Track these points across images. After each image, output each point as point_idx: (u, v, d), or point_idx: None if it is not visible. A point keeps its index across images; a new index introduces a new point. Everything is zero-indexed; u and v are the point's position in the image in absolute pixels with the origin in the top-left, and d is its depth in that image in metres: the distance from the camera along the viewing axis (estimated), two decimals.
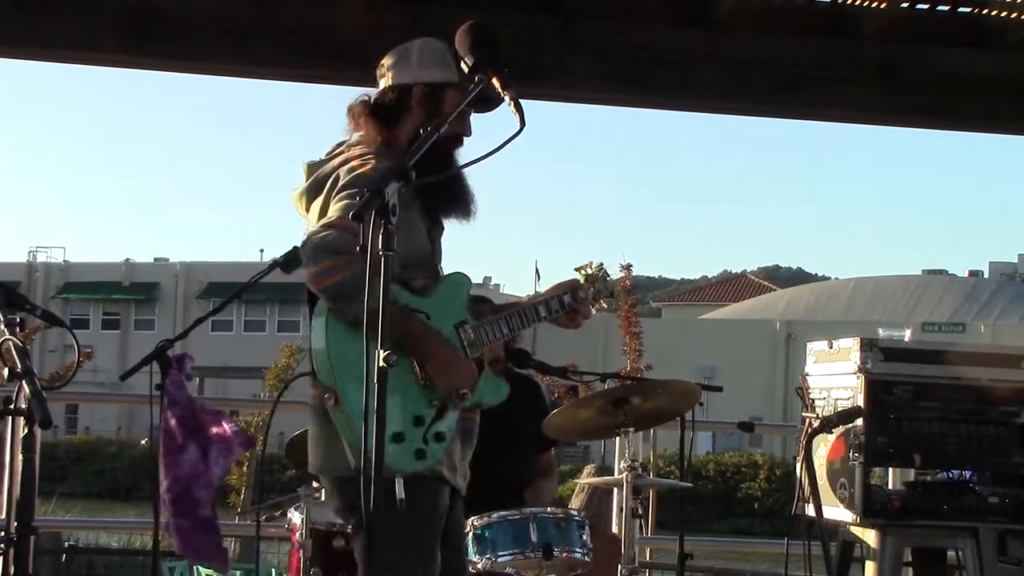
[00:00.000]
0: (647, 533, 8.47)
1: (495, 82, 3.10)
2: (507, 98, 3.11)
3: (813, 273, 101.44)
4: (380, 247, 2.79)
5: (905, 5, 5.99)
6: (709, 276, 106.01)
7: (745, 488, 31.43)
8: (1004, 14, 6.01)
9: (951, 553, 5.33)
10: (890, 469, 5.82)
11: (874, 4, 5.94)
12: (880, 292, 55.15)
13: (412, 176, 2.87)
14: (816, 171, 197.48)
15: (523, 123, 2.98)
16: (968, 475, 5.22)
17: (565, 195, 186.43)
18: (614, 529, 5.67)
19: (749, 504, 31.10)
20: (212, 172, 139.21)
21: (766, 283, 70.26)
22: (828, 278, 75.54)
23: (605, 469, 10.36)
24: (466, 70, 3.25)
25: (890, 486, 5.69)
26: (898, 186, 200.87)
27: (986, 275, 64.69)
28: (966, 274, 65.36)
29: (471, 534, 4.73)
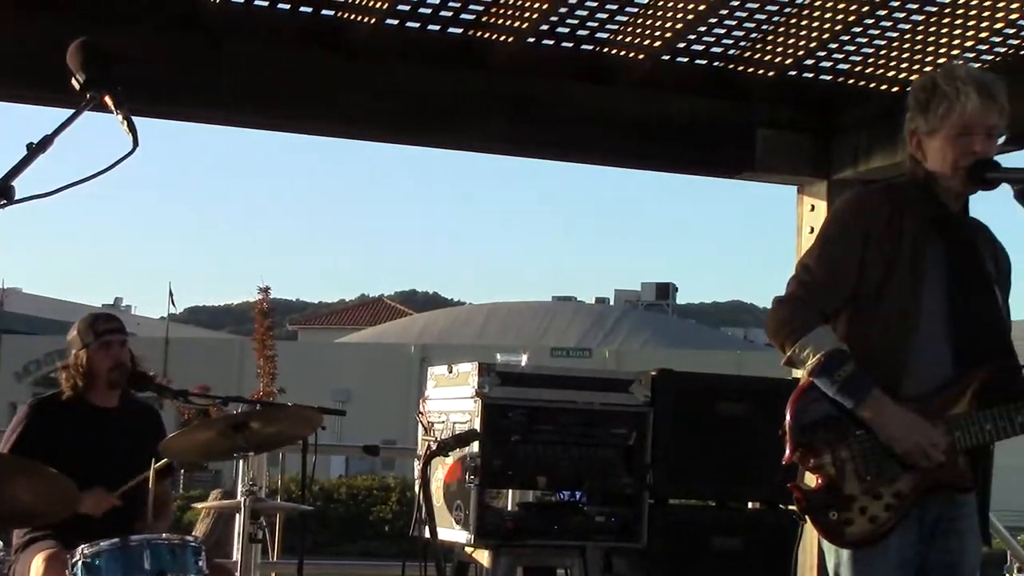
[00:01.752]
0: (273, 557, 8.38)
1: (107, 100, 3.02)
2: (119, 117, 3.03)
3: (449, 298, 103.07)
4: None
5: (532, 40, 6.18)
6: (347, 299, 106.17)
7: (377, 511, 31.57)
8: (623, 53, 6.29)
9: (561, 572, 5.52)
10: (509, 491, 5.98)
11: (503, 38, 6.10)
12: (513, 317, 56.53)
13: (13, 194, 2.76)
14: (442, 197, 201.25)
15: (136, 143, 2.91)
16: (579, 495, 5.41)
17: (201, 217, 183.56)
18: (235, 554, 5.58)
19: (380, 526, 31.23)
20: None
21: (402, 307, 70.94)
22: (463, 303, 76.94)
23: (231, 494, 10.22)
24: (77, 87, 3.16)
25: (509, 507, 5.84)
26: (523, 215, 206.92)
27: (612, 302, 67.33)
28: (593, 301, 67.88)
29: (80, 563, 4.57)
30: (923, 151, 3.65)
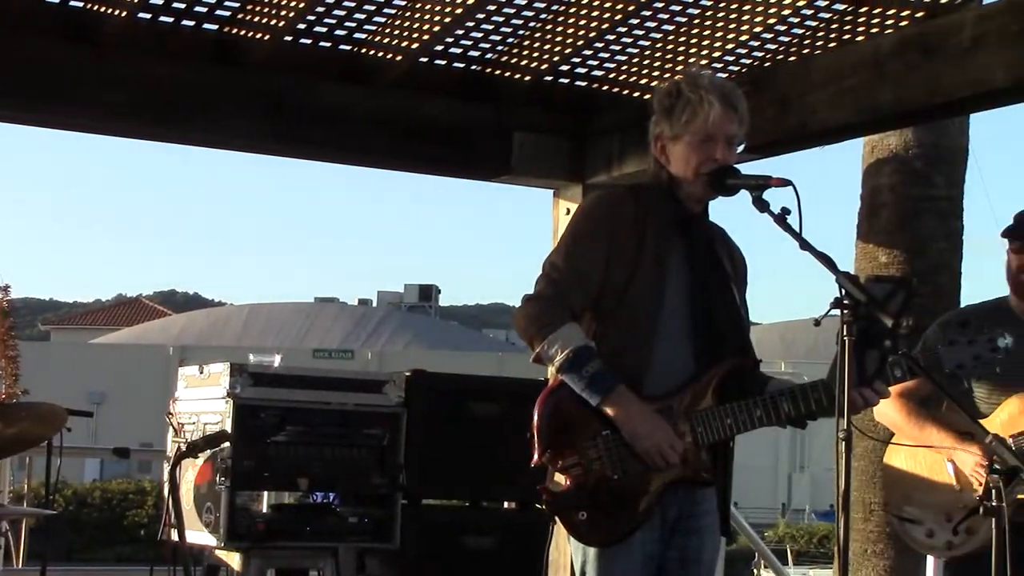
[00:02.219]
0: (17, 564, 8.12)
1: None
2: None
3: (210, 299, 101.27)
4: None
5: (289, 39, 6.13)
6: (103, 299, 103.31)
7: (132, 515, 30.83)
8: (380, 54, 6.29)
9: (314, 573, 5.49)
10: (266, 492, 5.93)
11: (259, 36, 6.04)
12: (274, 318, 55.88)
13: None
14: (213, 198, 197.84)
15: None
16: (332, 497, 5.40)
17: None
18: None
19: (135, 531, 30.50)
20: None
21: (161, 308, 69.41)
22: (224, 303, 75.69)
23: None
24: None
25: (264, 509, 5.79)
26: (291, 215, 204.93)
27: (375, 304, 67.19)
28: (356, 302, 67.64)
29: None
30: (667, 155, 3.74)
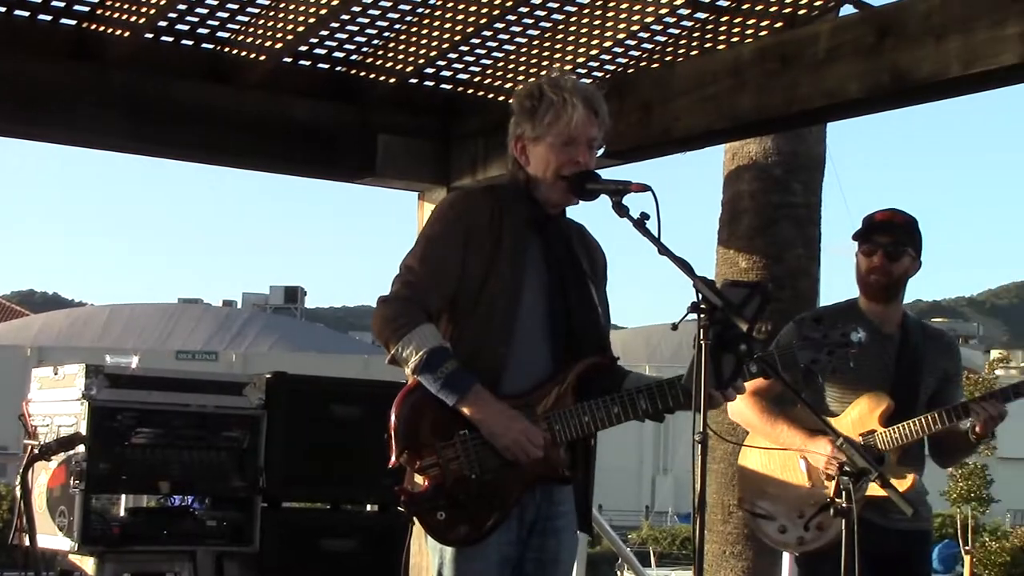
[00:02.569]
0: None
1: None
2: None
3: (69, 299, 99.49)
4: None
5: (150, 36, 6.04)
6: None
7: None
8: (244, 54, 6.24)
9: None
10: (124, 496, 5.84)
11: (119, 32, 5.94)
12: (136, 320, 55.00)
13: None
14: (74, 196, 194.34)
15: None
16: (191, 500, 5.34)
17: None
18: None
19: None
20: None
21: (19, 308, 67.89)
22: (84, 304, 74.26)
23: None
24: None
25: (122, 512, 5.70)
26: (154, 214, 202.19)
27: (240, 305, 66.50)
28: (220, 303, 66.87)
29: None
30: (527, 156, 3.73)
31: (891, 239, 4.61)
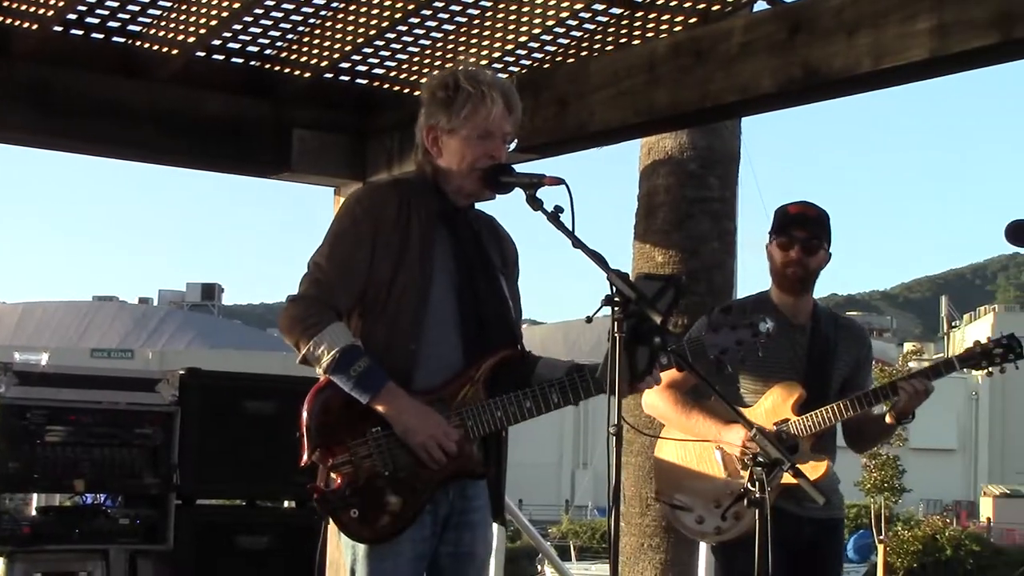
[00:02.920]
0: None
1: None
2: None
3: None
4: None
5: (59, 29, 5.96)
6: None
7: None
8: (156, 48, 6.17)
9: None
10: (35, 495, 5.77)
11: (26, 24, 5.86)
12: (50, 318, 54.38)
13: None
14: None
15: None
16: (102, 498, 5.28)
17: None
18: None
19: None
20: None
21: None
22: None
23: None
24: None
25: (33, 512, 5.63)
26: (68, 211, 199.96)
27: (156, 303, 65.89)
28: (136, 301, 66.24)
29: None
30: (439, 148, 3.71)
31: (807, 233, 4.66)
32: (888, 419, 4.64)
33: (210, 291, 65.51)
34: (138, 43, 6.17)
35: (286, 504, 6.14)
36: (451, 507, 3.66)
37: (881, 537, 28.21)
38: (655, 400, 4.74)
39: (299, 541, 5.57)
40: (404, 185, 3.77)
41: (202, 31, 6.01)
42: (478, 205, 3.84)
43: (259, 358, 41.38)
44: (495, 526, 3.94)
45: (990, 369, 4.60)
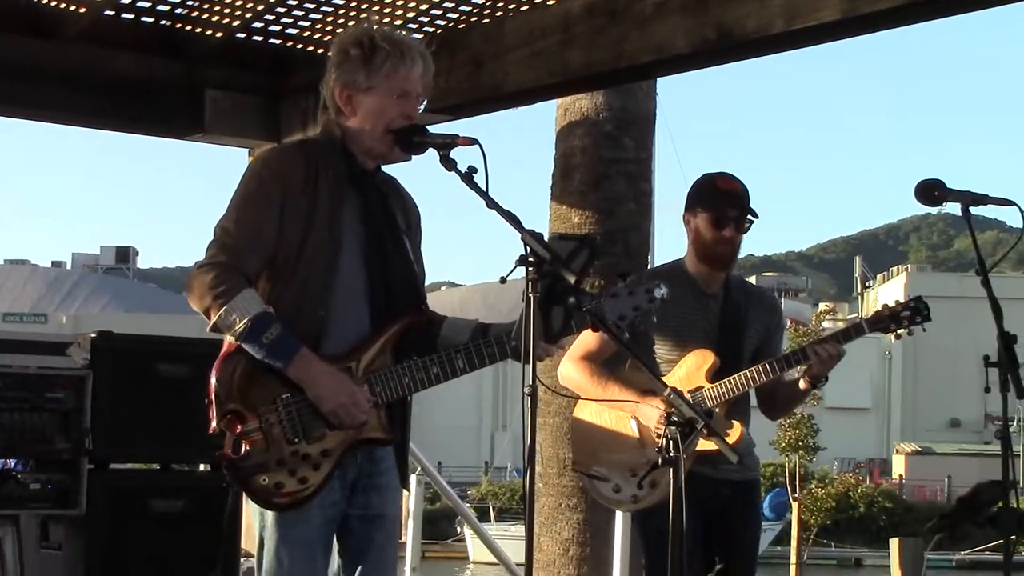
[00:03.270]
0: None
1: None
2: None
3: None
4: None
5: None
6: None
7: None
8: (63, 6, 6.07)
9: None
10: None
11: None
12: None
13: None
14: None
15: None
16: (12, 463, 5.21)
17: None
18: None
19: None
20: None
21: None
22: None
23: None
24: None
25: None
26: None
27: (69, 266, 65.07)
28: (49, 264, 65.40)
29: None
30: (353, 106, 3.66)
31: (740, 211, 4.67)
32: (802, 384, 4.68)
33: (124, 254, 64.82)
34: (45, 1, 6.06)
35: (202, 468, 6.09)
36: (359, 471, 3.66)
37: (796, 495, 28.62)
38: (571, 372, 4.75)
39: (214, 504, 5.52)
40: (311, 147, 3.73)
41: None
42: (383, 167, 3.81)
43: (175, 321, 41.04)
44: (413, 488, 3.94)
45: (898, 332, 4.67)
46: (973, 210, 4.15)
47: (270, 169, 3.66)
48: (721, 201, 4.67)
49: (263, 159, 3.77)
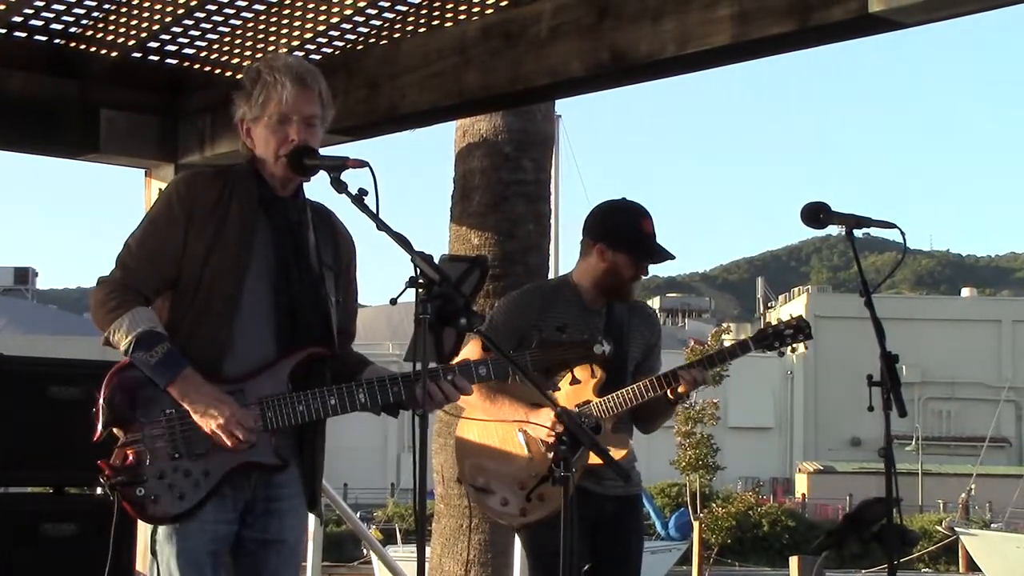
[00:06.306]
0: None
1: None
2: None
3: None
4: None
5: None
6: None
7: None
8: None
9: None
10: None
11: None
12: None
13: None
14: None
15: None
16: None
17: None
18: None
19: None
20: None
21: None
22: None
23: None
24: None
25: None
26: None
27: None
28: None
29: None
30: (252, 138, 3.73)
31: (660, 255, 4.78)
32: (670, 396, 4.77)
33: (23, 275, 63.77)
34: None
35: (99, 491, 6.03)
36: (254, 494, 3.66)
37: (697, 515, 28.82)
38: None
39: (107, 526, 5.47)
40: (230, 173, 3.77)
41: (1, 7, 5.86)
42: (319, 198, 3.84)
43: (75, 343, 40.39)
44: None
45: (782, 349, 4.77)
46: (878, 232, 4.23)
47: (180, 191, 3.70)
48: (647, 246, 4.77)
49: (176, 181, 3.82)
